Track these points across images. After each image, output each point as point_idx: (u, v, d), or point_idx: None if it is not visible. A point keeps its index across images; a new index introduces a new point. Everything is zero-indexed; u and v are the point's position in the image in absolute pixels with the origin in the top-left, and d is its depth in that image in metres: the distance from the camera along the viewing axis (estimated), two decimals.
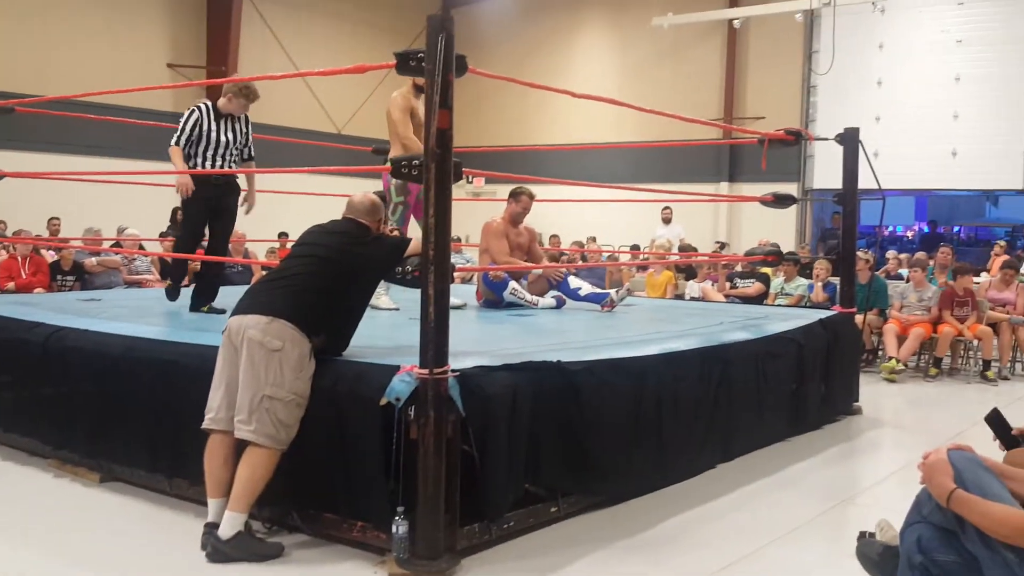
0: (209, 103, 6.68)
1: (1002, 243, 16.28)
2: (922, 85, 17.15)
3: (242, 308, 4.27)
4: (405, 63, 4.20)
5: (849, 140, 7.53)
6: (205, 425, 4.21)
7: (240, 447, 4.13)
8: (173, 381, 4.79)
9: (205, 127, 6.56)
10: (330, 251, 4.45)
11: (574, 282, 7.78)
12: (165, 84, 16.06)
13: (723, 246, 16.65)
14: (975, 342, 9.68)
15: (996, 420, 3.51)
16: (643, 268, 12.91)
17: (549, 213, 18.16)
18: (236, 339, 4.16)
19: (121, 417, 5.03)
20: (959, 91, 16.83)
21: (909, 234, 27.63)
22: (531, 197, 7.72)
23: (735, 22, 18.40)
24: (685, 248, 14.57)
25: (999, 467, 3.05)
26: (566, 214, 17.51)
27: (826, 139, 8.08)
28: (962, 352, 10.04)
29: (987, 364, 9.52)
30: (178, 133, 6.57)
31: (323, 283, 4.33)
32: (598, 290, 7.90)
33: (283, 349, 4.09)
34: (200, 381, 4.38)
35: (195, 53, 17.81)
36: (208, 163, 6.63)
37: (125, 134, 15.19)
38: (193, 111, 6.61)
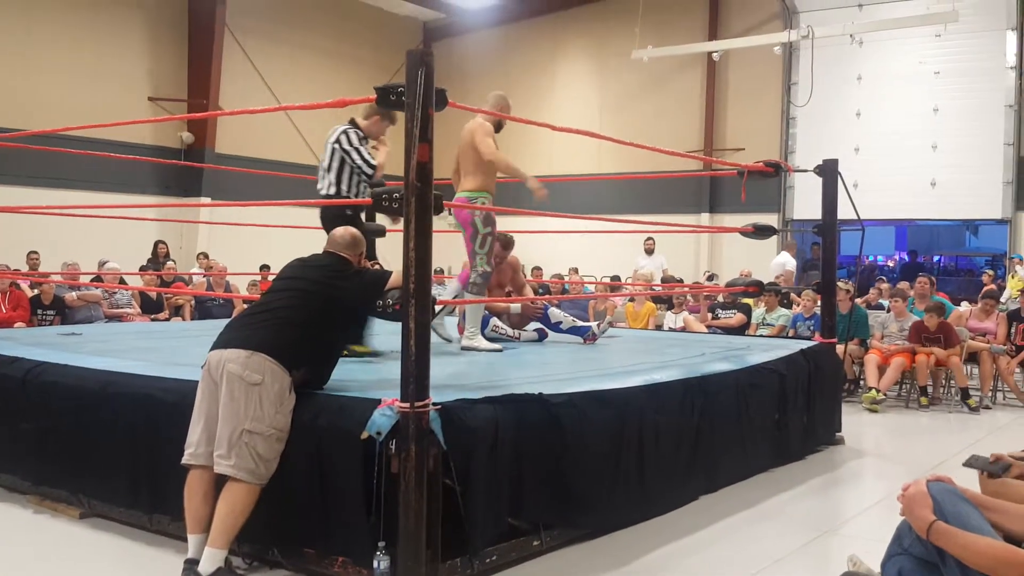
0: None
1: (990, 272, 16.45)
2: (901, 116, 17.29)
3: (221, 342, 4.26)
4: (386, 97, 4.22)
5: (828, 172, 7.58)
6: (185, 460, 4.18)
7: (220, 482, 4.10)
8: (153, 416, 4.76)
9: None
10: (311, 284, 4.45)
11: (555, 315, 7.77)
12: (146, 117, 16.10)
13: (712, 277, 16.69)
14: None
15: (976, 463, 3.51)
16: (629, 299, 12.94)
17: (531, 244, 18.16)
18: (216, 373, 4.14)
19: (101, 452, 5.00)
20: (937, 122, 16.98)
21: (890, 263, 27.74)
22: (506, 247, 7.65)
23: (714, 55, 18.52)
24: (667, 279, 14.61)
25: (979, 498, 3.06)
26: (548, 245, 17.52)
27: (805, 171, 8.12)
28: (943, 382, 10.07)
29: (965, 392, 9.52)
30: (366, 156, 6.11)
31: (303, 317, 4.33)
32: (579, 323, 7.90)
33: (263, 383, 4.08)
34: (180, 416, 4.36)
35: (176, 86, 17.82)
36: (363, 191, 6.26)
37: (106, 168, 15.16)
38: (353, 132, 6.19)
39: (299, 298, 4.40)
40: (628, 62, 18.73)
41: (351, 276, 4.58)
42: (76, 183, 15.13)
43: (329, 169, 6.26)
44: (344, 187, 6.22)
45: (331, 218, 6.05)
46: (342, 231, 4.74)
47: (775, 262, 15.18)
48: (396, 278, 4.53)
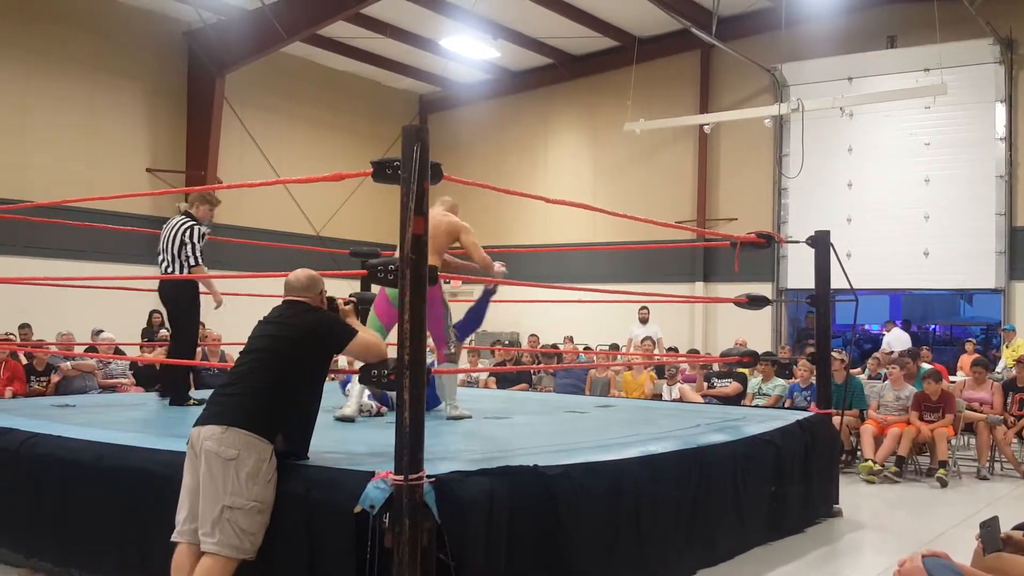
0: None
1: (972, 341, 16.52)
2: (892, 187, 17.45)
3: (201, 419, 4.28)
4: (382, 171, 4.28)
5: (821, 243, 7.62)
6: (173, 537, 4.17)
7: None
8: (146, 489, 4.73)
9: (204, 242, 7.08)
10: (268, 341, 4.44)
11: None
12: (144, 189, 16.17)
13: (694, 351, 16.74)
14: (951, 440, 9.66)
15: (986, 531, 3.49)
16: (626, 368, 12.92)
17: (526, 313, 18.21)
18: (197, 450, 4.17)
19: (92, 525, 4.97)
20: (929, 192, 17.13)
21: (885, 332, 27.77)
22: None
23: (706, 127, 18.72)
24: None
25: (973, 574, 3.04)
26: (543, 314, 17.59)
27: (797, 242, 8.18)
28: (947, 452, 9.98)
29: (943, 464, 9.34)
30: (195, 252, 7.03)
31: (270, 379, 4.31)
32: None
33: (238, 457, 4.08)
34: (171, 488, 4.34)
35: (174, 158, 17.93)
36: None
37: (103, 238, 15.23)
38: (196, 225, 7.04)
39: (261, 359, 4.37)
40: (621, 134, 18.92)
41: (302, 315, 4.54)
42: (73, 253, 15.20)
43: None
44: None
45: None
46: (296, 274, 4.70)
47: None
48: (376, 342, 4.62)
